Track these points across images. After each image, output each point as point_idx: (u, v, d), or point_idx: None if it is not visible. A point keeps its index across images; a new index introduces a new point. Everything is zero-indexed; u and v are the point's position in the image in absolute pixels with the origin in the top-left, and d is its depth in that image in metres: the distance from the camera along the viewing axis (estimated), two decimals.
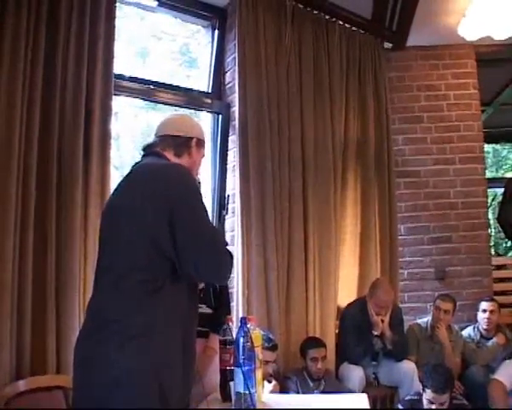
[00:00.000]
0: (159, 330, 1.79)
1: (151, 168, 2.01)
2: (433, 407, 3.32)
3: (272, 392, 3.13)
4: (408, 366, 3.94)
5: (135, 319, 1.78)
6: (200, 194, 1.96)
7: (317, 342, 3.79)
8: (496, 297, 4.68)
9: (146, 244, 1.83)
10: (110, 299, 1.84)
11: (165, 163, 2.05)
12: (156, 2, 3.81)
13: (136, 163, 2.11)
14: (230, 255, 1.97)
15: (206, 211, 1.96)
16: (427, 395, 3.35)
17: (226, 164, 4.14)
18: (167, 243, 1.82)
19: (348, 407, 2.28)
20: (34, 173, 2.90)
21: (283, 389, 3.56)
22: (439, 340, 4.21)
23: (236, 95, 3.88)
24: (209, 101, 4.12)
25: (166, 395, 1.77)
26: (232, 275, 3.65)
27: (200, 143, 2.19)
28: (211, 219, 2.01)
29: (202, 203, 1.94)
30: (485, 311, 4.42)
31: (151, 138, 2.19)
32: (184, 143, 2.13)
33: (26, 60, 2.89)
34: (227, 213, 4.07)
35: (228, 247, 2.01)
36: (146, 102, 4.25)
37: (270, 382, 3.23)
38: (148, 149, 2.12)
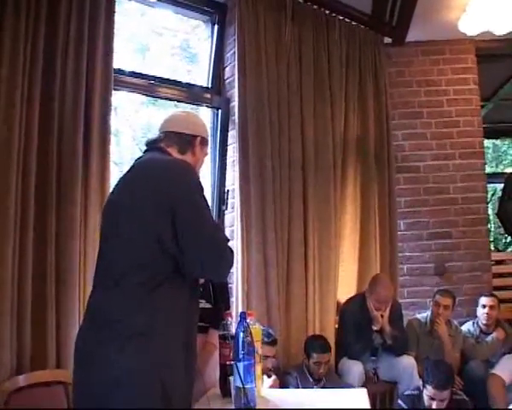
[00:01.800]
0: (159, 329, 1.79)
1: (154, 164, 2.00)
2: (434, 403, 3.33)
3: (272, 387, 3.13)
4: (407, 362, 3.94)
5: (135, 319, 1.77)
6: (203, 190, 1.96)
7: (322, 347, 3.69)
8: (495, 292, 4.69)
9: (147, 242, 1.82)
10: (110, 298, 1.83)
11: (168, 159, 2.04)
12: None
13: (139, 158, 2.10)
14: (231, 252, 1.97)
15: (209, 207, 1.96)
16: (428, 391, 3.35)
17: (226, 159, 4.14)
18: (170, 241, 1.82)
19: (348, 405, 2.28)
20: (34, 170, 2.90)
21: (283, 385, 3.56)
22: (438, 335, 4.21)
23: (236, 90, 3.87)
24: (209, 96, 4.11)
25: (169, 395, 1.76)
26: (231, 271, 3.66)
27: (205, 141, 2.19)
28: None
29: (204, 200, 1.94)
30: (484, 306, 4.42)
31: (153, 134, 2.18)
32: (189, 141, 2.12)
33: (25, 56, 2.87)
34: (226, 209, 4.08)
35: (229, 243, 2.01)
36: (146, 97, 4.25)
37: (269, 376, 3.23)
38: (152, 145, 2.11)
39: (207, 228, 1.88)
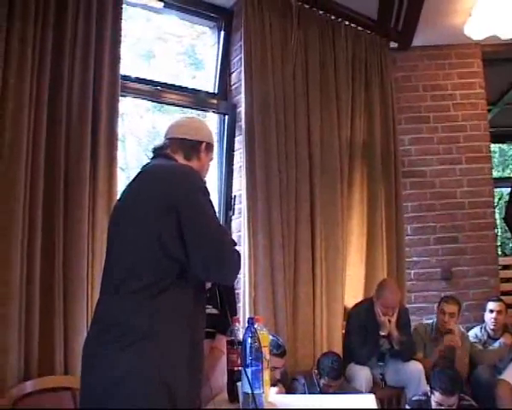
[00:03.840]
0: (160, 330, 1.79)
1: (158, 169, 2.02)
2: (442, 408, 3.31)
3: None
4: (415, 367, 3.92)
5: (138, 322, 1.78)
6: (207, 192, 1.97)
7: (334, 373, 3.57)
8: (503, 297, 4.66)
9: (151, 246, 1.83)
10: (113, 303, 1.85)
11: (173, 164, 2.06)
12: (162, 4, 3.82)
13: (145, 165, 2.12)
14: (238, 255, 1.99)
15: (214, 210, 1.97)
16: (436, 397, 3.34)
17: (232, 165, 4.15)
18: (175, 245, 1.82)
19: (356, 407, 2.28)
20: (42, 176, 2.91)
21: (290, 390, 3.55)
22: (448, 345, 4.13)
23: (242, 95, 3.88)
24: (215, 101, 4.12)
25: (174, 395, 1.77)
26: (239, 276, 3.65)
27: (210, 146, 2.20)
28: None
29: (210, 202, 1.95)
30: (492, 311, 4.40)
31: (159, 140, 2.20)
32: (194, 146, 2.13)
33: (33, 62, 2.90)
34: (233, 214, 4.08)
35: (236, 247, 2.02)
36: (152, 103, 4.26)
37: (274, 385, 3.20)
38: (158, 151, 2.13)
39: (212, 229, 1.89)
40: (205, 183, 2.03)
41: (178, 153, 2.10)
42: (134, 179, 2.05)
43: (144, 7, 3.89)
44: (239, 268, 2.03)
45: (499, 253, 6.39)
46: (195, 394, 1.94)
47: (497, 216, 6.49)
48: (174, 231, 1.82)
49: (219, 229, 1.95)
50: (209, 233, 1.87)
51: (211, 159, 2.23)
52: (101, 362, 1.77)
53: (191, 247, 1.83)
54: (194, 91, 4.07)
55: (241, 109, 3.93)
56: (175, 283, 1.84)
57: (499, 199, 8.00)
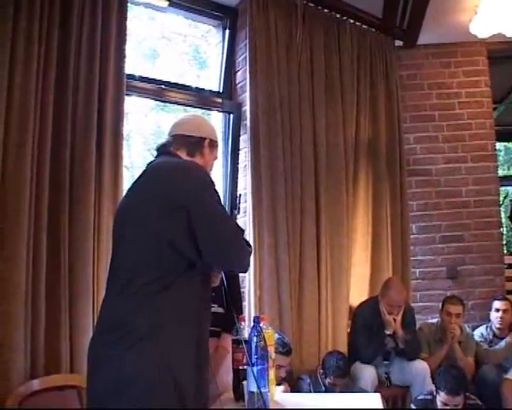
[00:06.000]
0: (163, 331, 1.79)
1: (162, 167, 2.02)
2: (448, 408, 3.30)
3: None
4: (420, 366, 3.91)
5: (138, 322, 1.78)
6: (213, 184, 1.98)
7: (340, 372, 3.56)
8: (508, 296, 4.64)
9: (154, 246, 1.83)
10: (117, 302, 1.85)
11: (176, 161, 2.06)
12: (167, 3, 3.81)
13: (150, 162, 2.12)
14: (247, 243, 2.04)
15: (220, 201, 1.98)
16: (441, 397, 3.32)
17: (238, 164, 4.15)
18: (187, 245, 1.83)
19: (361, 407, 2.27)
20: (47, 175, 2.92)
21: (295, 389, 3.55)
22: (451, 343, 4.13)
23: (247, 94, 3.88)
24: (220, 100, 4.12)
25: (183, 395, 1.77)
26: (244, 275, 3.66)
27: (213, 143, 2.20)
28: None
29: (216, 193, 1.97)
30: (497, 310, 4.38)
31: (164, 138, 2.20)
32: (197, 143, 2.14)
33: (39, 61, 2.91)
34: (239, 213, 4.08)
35: (243, 233, 2.08)
36: (156, 102, 4.26)
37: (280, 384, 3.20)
38: (162, 149, 2.13)
39: (221, 226, 1.92)
40: (209, 176, 2.03)
41: (181, 150, 2.11)
42: (138, 178, 2.05)
43: (149, 6, 3.89)
44: (249, 254, 2.07)
45: (505, 251, 6.37)
46: (204, 394, 1.93)
47: (502, 215, 6.47)
48: (184, 231, 1.83)
49: (227, 222, 1.98)
50: (218, 230, 1.90)
51: (215, 157, 2.24)
52: (105, 364, 1.78)
53: (202, 245, 1.84)
54: (199, 90, 4.07)
55: (246, 108, 3.93)
56: (180, 279, 1.85)
57: (504, 197, 7.97)
